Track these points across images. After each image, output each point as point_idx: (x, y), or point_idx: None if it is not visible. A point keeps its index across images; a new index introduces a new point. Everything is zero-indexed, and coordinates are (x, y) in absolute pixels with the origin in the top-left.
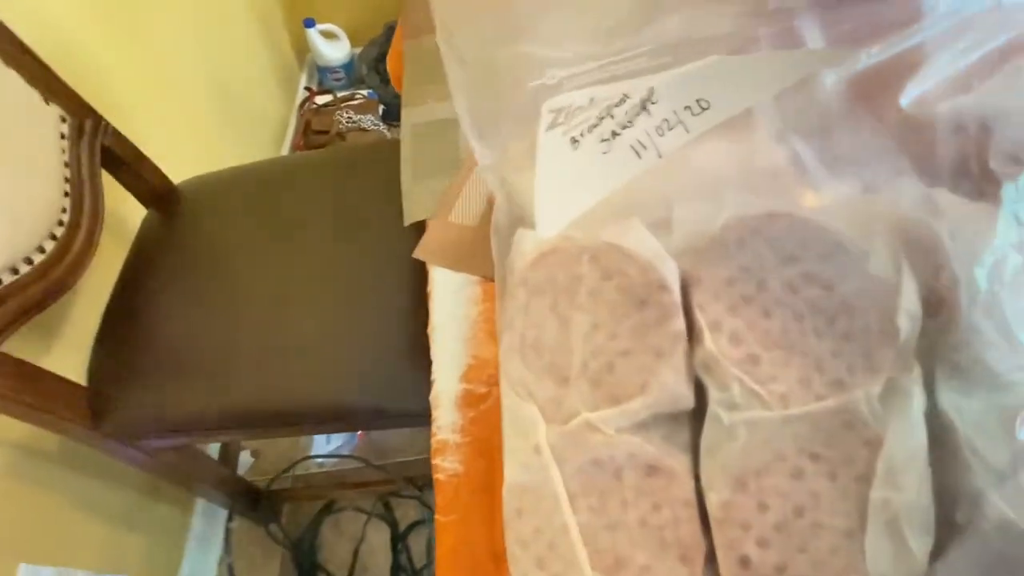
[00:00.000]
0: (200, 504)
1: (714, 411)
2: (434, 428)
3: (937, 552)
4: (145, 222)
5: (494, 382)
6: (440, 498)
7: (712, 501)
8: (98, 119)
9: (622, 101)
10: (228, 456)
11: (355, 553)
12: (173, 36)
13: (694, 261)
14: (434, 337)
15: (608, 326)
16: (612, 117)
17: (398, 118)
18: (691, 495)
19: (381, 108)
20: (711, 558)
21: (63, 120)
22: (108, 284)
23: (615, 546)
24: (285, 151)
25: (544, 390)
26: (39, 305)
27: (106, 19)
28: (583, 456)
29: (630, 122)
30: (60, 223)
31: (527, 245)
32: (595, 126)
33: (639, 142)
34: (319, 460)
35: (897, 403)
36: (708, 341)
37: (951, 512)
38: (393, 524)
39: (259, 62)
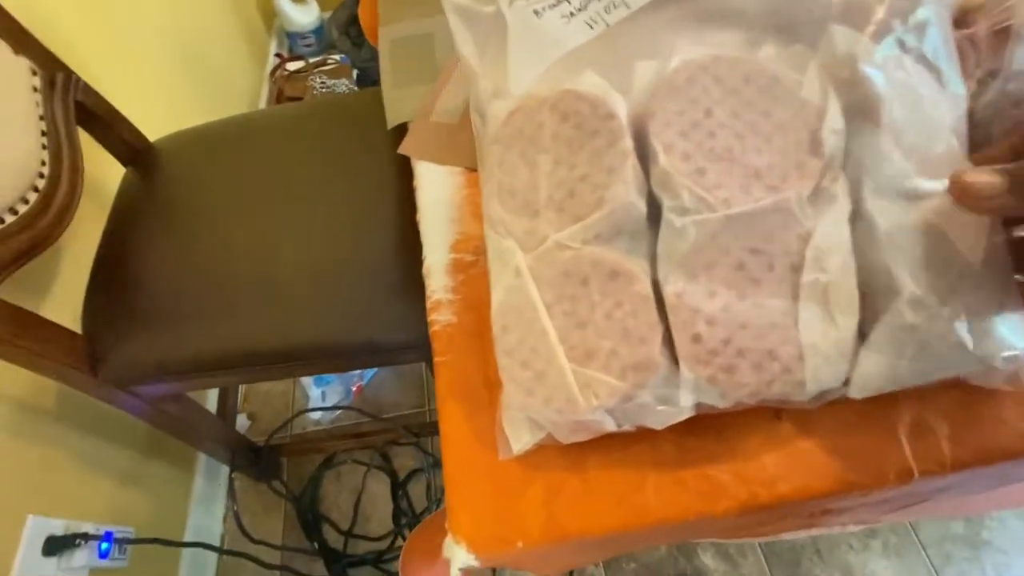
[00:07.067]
0: (202, 462)
1: (668, 218)
2: (428, 292)
3: (863, 339)
4: (125, 179)
5: (481, 252)
6: (437, 344)
7: (668, 292)
8: (69, 73)
9: None
10: (225, 417)
11: (356, 503)
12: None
13: (651, 99)
14: (422, 222)
15: (567, 160)
16: (569, 2)
17: (373, 82)
18: (648, 291)
19: (355, 72)
20: (667, 340)
21: (34, 73)
22: (92, 243)
23: (585, 341)
24: None
25: (519, 225)
26: (27, 253)
27: None
28: (555, 270)
29: (583, 6)
30: (41, 175)
31: (498, 109)
32: (555, 6)
33: (591, 19)
34: (315, 417)
35: (824, 205)
36: (662, 160)
37: (874, 303)
38: (392, 474)
39: (228, 28)
